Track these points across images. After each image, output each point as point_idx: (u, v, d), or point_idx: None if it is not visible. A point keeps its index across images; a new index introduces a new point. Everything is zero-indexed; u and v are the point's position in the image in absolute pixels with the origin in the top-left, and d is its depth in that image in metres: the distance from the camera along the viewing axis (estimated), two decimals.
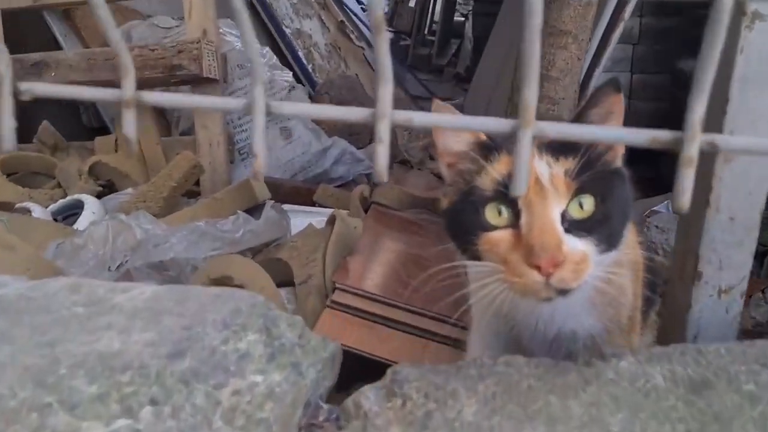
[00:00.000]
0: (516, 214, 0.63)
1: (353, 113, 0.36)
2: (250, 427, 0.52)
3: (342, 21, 3.45)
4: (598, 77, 2.10)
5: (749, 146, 0.34)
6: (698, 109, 0.30)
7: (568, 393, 0.52)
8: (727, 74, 0.73)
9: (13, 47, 2.11)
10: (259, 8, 3.19)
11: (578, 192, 0.63)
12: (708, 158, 0.76)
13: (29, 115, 1.98)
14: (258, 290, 1.17)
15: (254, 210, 1.58)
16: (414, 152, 2.58)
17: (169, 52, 1.83)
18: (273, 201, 1.66)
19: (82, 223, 1.53)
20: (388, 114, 0.34)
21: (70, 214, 1.62)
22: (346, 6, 3.78)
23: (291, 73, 2.78)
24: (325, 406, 0.58)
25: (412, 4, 5.76)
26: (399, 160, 2.48)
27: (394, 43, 5.49)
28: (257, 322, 0.59)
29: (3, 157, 1.86)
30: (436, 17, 5.33)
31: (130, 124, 0.38)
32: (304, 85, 3.04)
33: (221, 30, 2.21)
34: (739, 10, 0.69)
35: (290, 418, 0.55)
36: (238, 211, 1.42)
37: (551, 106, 1.45)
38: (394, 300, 1.15)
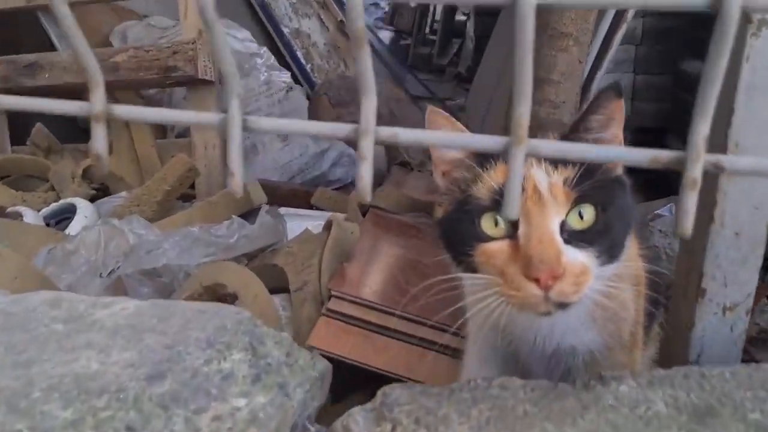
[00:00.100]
0: (513, 225, 0.61)
1: (335, 129, 0.34)
2: None
3: (342, 20, 3.41)
4: (601, 79, 2.08)
5: (756, 167, 0.31)
6: (702, 128, 0.28)
7: (566, 420, 0.50)
8: (732, 83, 0.70)
9: (9, 48, 2.08)
10: (257, 7, 3.16)
11: (578, 201, 0.61)
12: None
13: (23, 117, 1.96)
14: (251, 298, 1.14)
15: (250, 214, 1.56)
16: (414, 154, 2.55)
17: (164, 53, 1.80)
18: (269, 205, 1.63)
19: (74, 227, 1.50)
20: (371, 130, 0.32)
21: (62, 218, 1.60)
22: (346, 5, 3.75)
23: (289, 73, 2.76)
24: (313, 429, 0.56)
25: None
26: (399, 162, 2.45)
27: (394, 43, 5.46)
28: (242, 340, 0.57)
29: None
30: (437, 16, 5.29)
31: (100, 139, 0.35)
32: (302, 86, 3.01)
33: None
34: (745, 18, 0.66)
35: None
36: (233, 216, 1.40)
37: (552, 110, 1.42)
38: (392, 308, 1.13)
